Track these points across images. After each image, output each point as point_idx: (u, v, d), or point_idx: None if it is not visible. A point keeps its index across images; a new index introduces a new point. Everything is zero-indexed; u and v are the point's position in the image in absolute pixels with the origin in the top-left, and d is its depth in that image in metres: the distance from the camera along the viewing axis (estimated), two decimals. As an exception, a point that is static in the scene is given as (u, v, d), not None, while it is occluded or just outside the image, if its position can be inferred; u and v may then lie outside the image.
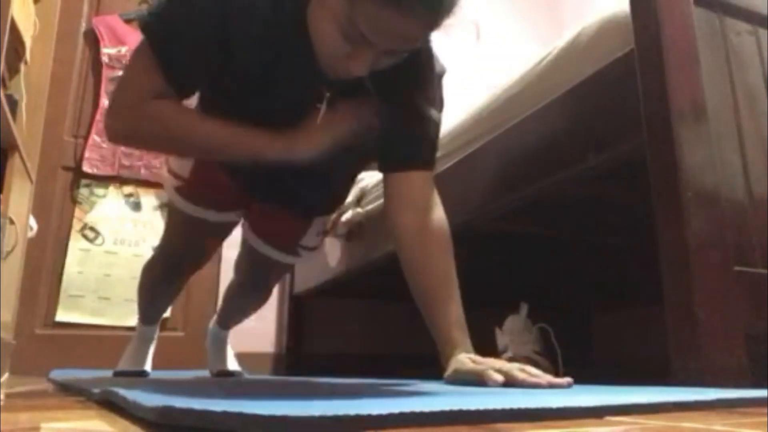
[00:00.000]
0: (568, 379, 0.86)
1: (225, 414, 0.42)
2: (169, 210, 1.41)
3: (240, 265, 1.55)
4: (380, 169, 1.09)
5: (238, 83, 0.99)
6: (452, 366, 0.94)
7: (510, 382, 0.85)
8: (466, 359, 0.93)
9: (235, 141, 0.97)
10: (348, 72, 0.88)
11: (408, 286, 1.06)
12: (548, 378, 0.85)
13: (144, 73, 0.94)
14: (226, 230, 1.40)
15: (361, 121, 1.00)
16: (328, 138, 0.98)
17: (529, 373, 0.86)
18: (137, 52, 0.95)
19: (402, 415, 0.44)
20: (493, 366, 0.89)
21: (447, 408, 0.47)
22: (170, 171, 1.30)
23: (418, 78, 1.03)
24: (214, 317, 1.81)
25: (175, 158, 1.28)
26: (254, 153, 0.97)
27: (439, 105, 1.08)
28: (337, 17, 0.82)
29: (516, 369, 0.87)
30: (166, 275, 1.48)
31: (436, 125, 1.08)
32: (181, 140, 0.98)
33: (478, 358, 0.94)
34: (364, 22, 0.80)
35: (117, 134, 1.01)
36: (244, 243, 1.47)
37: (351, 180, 1.40)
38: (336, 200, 1.44)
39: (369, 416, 0.43)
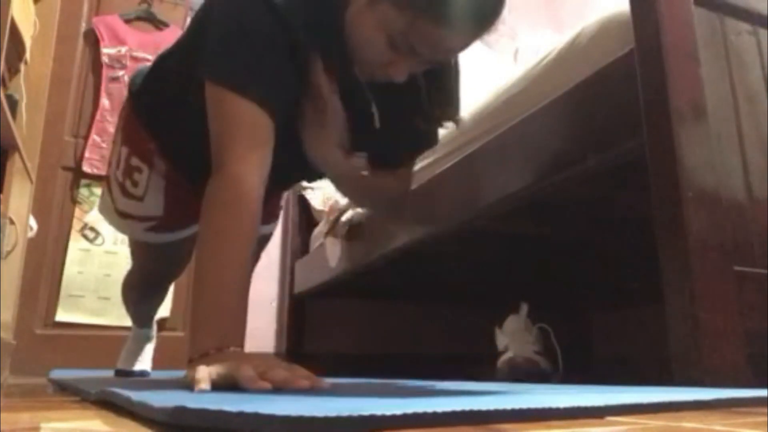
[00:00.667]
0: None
1: (240, 414, 0.41)
2: (133, 243, 1.33)
3: None
4: (369, 163, 1.09)
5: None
6: None
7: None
8: None
9: (209, 301, 0.80)
10: (387, 77, 0.89)
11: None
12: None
13: (244, 122, 0.86)
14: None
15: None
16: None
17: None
18: (224, 110, 0.86)
19: (402, 416, 0.44)
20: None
21: (449, 408, 0.47)
22: (131, 217, 1.20)
23: (448, 83, 1.05)
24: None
25: (130, 200, 1.18)
26: (194, 323, 0.82)
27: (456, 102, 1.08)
28: (388, 27, 0.82)
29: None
30: (147, 289, 1.48)
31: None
32: (204, 241, 0.84)
33: None
34: (418, 38, 0.82)
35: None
36: None
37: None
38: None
39: (369, 416, 0.43)
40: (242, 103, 0.85)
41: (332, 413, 0.41)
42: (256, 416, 0.41)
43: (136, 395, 0.57)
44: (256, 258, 1.56)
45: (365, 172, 1.04)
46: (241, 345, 0.79)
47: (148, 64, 1.18)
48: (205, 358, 0.73)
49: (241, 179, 0.84)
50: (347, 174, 1.04)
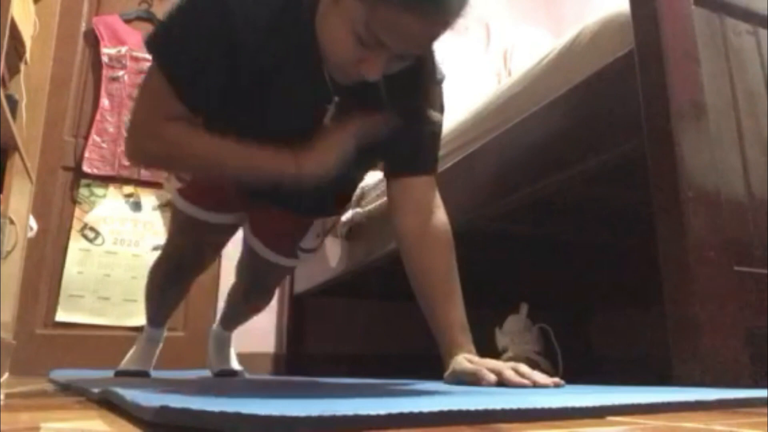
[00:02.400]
0: (555, 380, 0.87)
1: (222, 414, 0.42)
2: (172, 212, 1.42)
3: (241, 268, 1.55)
4: (385, 175, 1.11)
5: (245, 93, 0.98)
6: (451, 367, 0.96)
7: (501, 382, 0.86)
8: (463, 360, 0.94)
9: (248, 162, 0.96)
10: (360, 76, 0.88)
11: (411, 287, 1.06)
12: (537, 378, 0.86)
13: (156, 92, 0.95)
14: (227, 232, 1.41)
15: (366, 132, 0.99)
16: (336, 153, 0.97)
17: (521, 373, 0.87)
18: (149, 73, 0.96)
19: (402, 415, 0.44)
20: (487, 365, 0.90)
21: (447, 408, 0.47)
22: (173, 174, 1.31)
23: (423, 85, 1.04)
24: (217, 319, 1.82)
25: None
26: (267, 173, 0.96)
27: (440, 110, 1.10)
28: (353, 22, 0.82)
29: (508, 368, 0.88)
30: (171, 278, 1.49)
31: (439, 130, 1.10)
32: (195, 161, 0.99)
33: (475, 358, 0.95)
34: (382, 27, 0.81)
35: (134, 154, 1.03)
36: (245, 246, 1.47)
37: (355, 182, 1.40)
38: (339, 202, 1.43)
39: (368, 416, 0.43)
40: (162, 80, 0.93)
41: (321, 413, 0.41)
42: (237, 416, 0.41)
43: (130, 394, 0.57)
44: (269, 295, 1.62)
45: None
46: None
47: (146, 68, 1.23)
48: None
49: (129, 142, 0.99)
50: None
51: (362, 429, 0.42)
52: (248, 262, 1.49)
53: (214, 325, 1.82)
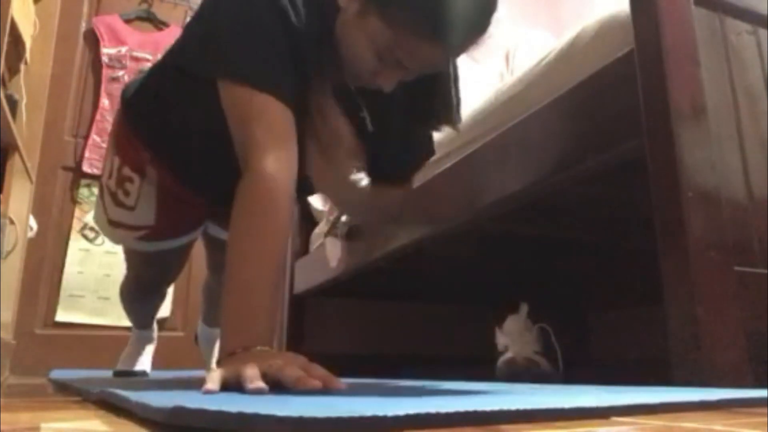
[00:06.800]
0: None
1: (240, 415, 0.41)
2: (132, 255, 1.33)
3: (212, 261, 1.54)
4: (369, 178, 1.17)
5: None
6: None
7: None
8: None
9: (239, 303, 0.78)
10: (375, 86, 0.91)
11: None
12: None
13: (257, 112, 0.85)
14: (193, 242, 1.38)
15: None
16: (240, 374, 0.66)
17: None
18: (234, 104, 0.87)
19: (408, 417, 0.44)
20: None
21: (452, 409, 0.47)
22: (123, 227, 1.21)
23: (438, 87, 1.04)
24: (200, 318, 1.80)
25: (122, 210, 1.18)
26: (224, 323, 0.79)
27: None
28: (375, 40, 0.84)
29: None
30: (143, 296, 1.50)
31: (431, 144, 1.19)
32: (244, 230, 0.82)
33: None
34: (404, 53, 0.84)
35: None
36: (212, 241, 1.44)
37: None
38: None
39: (383, 417, 0.42)
40: (261, 97, 0.85)
41: (332, 414, 0.41)
42: (256, 417, 0.41)
43: (134, 395, 0.57)
44: None
45: (366, 191, 1.08)
46: (270, 344, 0.77)
47: (146, 67, 1.19)
48: (231, 357, 0.71)
49: (271, 176, 0.83)
50: (351, 199, 1.09)
51: (362, 430, 0.42)
52: (218, 254, 1.42)
53: (199, 326, 1.80)
